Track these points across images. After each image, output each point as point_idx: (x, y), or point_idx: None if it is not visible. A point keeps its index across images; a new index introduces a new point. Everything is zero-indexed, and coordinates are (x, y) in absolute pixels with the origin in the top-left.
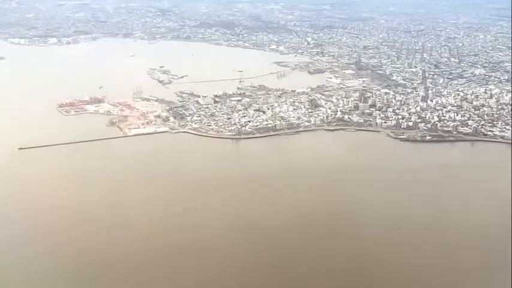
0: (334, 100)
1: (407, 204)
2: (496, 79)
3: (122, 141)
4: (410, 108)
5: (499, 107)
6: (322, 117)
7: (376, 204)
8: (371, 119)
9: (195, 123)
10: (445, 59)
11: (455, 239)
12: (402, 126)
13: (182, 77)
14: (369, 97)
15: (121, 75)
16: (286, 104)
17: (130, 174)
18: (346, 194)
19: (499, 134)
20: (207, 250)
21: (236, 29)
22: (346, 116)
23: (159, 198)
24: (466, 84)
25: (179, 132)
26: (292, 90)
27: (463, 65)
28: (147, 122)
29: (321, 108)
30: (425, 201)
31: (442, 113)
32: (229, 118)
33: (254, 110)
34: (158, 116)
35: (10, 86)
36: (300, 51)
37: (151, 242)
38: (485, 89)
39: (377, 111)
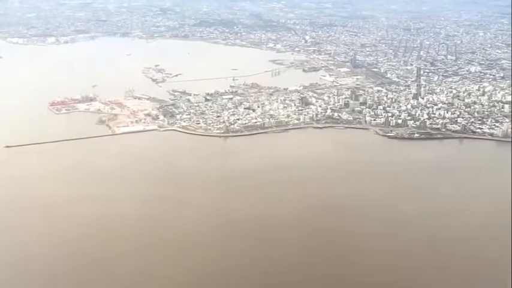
0: (326, 98)
1: (384, 199)
2: (491, 76)
3: (109, 139)
4: (400, 106)
5: (491, 104)
6: (311, 115)
7: (354, 200)
8: (360, 117)
9: (184, 122)
10: (442, 57)
11: (430, 233)
12: (391, 124)
13: (176, 76)
14: (360, 95)
15: (115, 74)
16: (276, 102)
17: (111, 172)
18: (326, 190)
19: (488, 131)
20: (182, 247)
21: (235, 27)
22: (335, 114)
23: (133, 196)
24: (460, 82)
25: (167, 130)
26: (284, 88)
27: (459, 62)
28: (136, 121)
29: (311, 106)
30: (403, 196)
31: (432, 111)
32: (218, 116)
33: (244, 108)
34: (148, 114)
35: (2, 85)
36: (297, 49)
37: (119, 239)
38: (479, 87)
39: (367, 109)
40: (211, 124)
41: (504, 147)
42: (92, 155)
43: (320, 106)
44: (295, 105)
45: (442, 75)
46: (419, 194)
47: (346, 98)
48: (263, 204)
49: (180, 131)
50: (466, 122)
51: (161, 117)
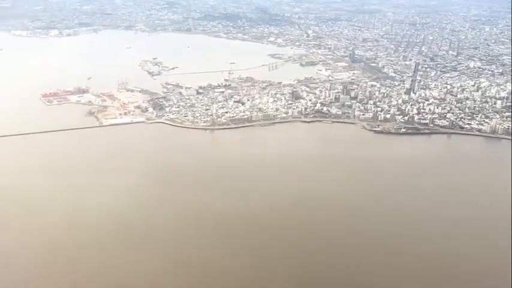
0: (317, 92)
1: (358, 192)
2: (490, 72)
3: (96, 131)
4: (391, 101)
5: (483, 100)
6: (300, 109)
7: (328, 192)
8: (350, 111)
9: (172, 114)
10: (443, 52)
11: (393, 225)
12: (379, 119)
13: (173, 69)
14: (352, 89)
15: (112, 67)
16: (267, 95)
17: (90, 164)
18: (301, 183)
19: (476, 127)
20: (154, 239)
21: (239, 21)
22: (325, 108)
23: (108, 187)
24: (457, 77)
25: (155, 122)
26: (278, 82)
27: (460, 58)
28: (125, 113)
29: (301, 100)
30: (370, 190)
31: (423, 106)
32: (207, 109)
33: (234, 102)
34: (138, 107)
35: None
36: (297, 43)
37: (94, 230)
38: (475, 82)
39: (357, 104)
40: (199, 117)
41: (490, 143)
42: (73, 146)
43: (310, 100)
44: (285, 99)
45: (440, 71)
46: (389, 188)
47: (338, 92)
48: (229, 196)
49: (167, 124)
50: (455, 117)
51: (150, 109)
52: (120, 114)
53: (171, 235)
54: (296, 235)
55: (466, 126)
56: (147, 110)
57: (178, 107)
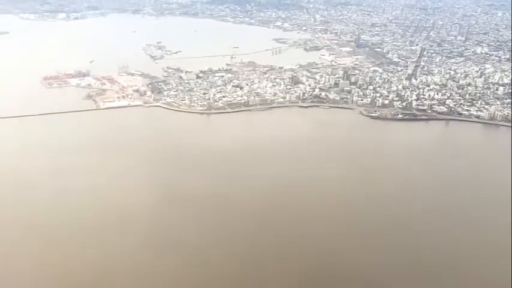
0: (318, 77)
1: (341, 178)
2: (496, 58)
3: (92, 114)
4: (391, 87)
5: (485, 86)
6: (298, 94)
7: (304, 178)
8: (348, 97)
9: (170, 98)
10: (452, 37)
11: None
12: (377, 104)
13: (176, 53)
14: (353, 75)
15: (116, 50)
16: (267, 80)
17: (78, 146)
18: (281, 169)
19: (475, 113)
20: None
21: (247, 5)
22: (323, 93)
23: (92, 168)
24: (462, 63)
25: (152, 106)
26: (280, 67)
27: (467, 43)
28: (123, 96)
29: (300, 85)
30: (352, 176)
31: (423, 92)
32: (205, 93)
33: (232, 86)
34: (137, 90)
35: (2, 60)
36: (304, 28)
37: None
38: (479, 68)
39: (357, 89)
40: (196, 101)
41: (487, 129)
42: (66, 128)
43: (309, 85)
44: (284, 84)
45: (446, 56)
46: (374, 172)
47: (338, 77)
48: (215, 180)
49: (163, 107)
50: (454, 103)
51: (149, 93)
52: (118, 97)
53: (147, 218)
54: (270, 219)
55: (464, 112)
56: (145, 94)
57: (176, 91)
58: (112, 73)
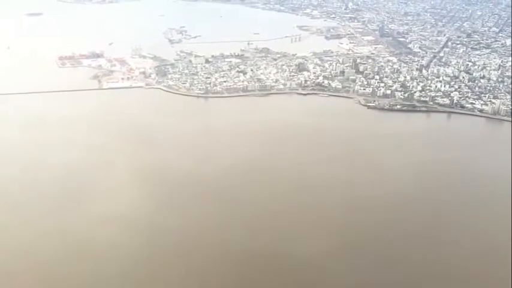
0: (326, 65)
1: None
2: None
3: (90, 93)
4: (399, 77)
5: (499, 79)
6: (300, 81)
7: (280, 162)
8: (351, 86)
9: (172, 81)
10: (485, 29)
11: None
12: (378, 94)
13: (195, 37)
14: (363, 63)
15: (137, 33)
16: (272, 66)
17: (61, 124)
18: (257, 153)
19: (479, 107)
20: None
21: None
22: (326, 81)
23: (76, 144)
24: (485, 55)
25: (152, 88)
26: (293, 54)
27: (500, 35)
28: (128, 77)
29: (305, 73)
30: (326, 162)
31: (430, 83)
32: (208, 78)
33: (236, 71)
34: (143, 72)
35: (30, 39)
36: (332, 16)
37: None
38: (502, 61)
39: (362, 78)
40: (196, 85)
41: (488, 124)
42: (61, 107)
43: (314, 73)
44: (289, 70)
45: (471, 48)
46: (346, 161)
47: (348, 66)
48: (192, 161)
49: (163, 90)
50: (460, 96)
51: (153, 75)
52: (122, 78)
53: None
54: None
55: (468, 105)
56: (150, 76)
57: (180, 74)
58: (125, 55)
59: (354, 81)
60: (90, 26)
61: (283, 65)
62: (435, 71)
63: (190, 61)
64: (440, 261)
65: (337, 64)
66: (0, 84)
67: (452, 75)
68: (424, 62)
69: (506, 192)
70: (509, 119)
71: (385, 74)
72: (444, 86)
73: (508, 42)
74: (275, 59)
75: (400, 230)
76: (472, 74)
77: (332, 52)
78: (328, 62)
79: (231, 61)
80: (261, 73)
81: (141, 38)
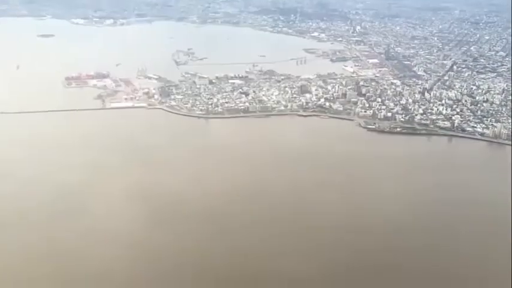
0: (329, 88)
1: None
2: None
3: (93, 113)
4: (401, 100)
5: (503, 103)
6: (301, 103)
7: (270, 185)
8: (352, 108)
9: (174, 101)
10: (492, 53)
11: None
12: (378, 117)
13: (201, 59)
14: (365, 86)
15: (145, 55)
16: (275, 88)
17: (62, 142)
18: (250, 174)
19: (480, 130)
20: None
21: (292, 16)
22: (327, 103)
23: (74, 164)
24: (490, 79)
25: (155, 108)
26: (296, 76)
27: (507, 59)
28: (131, 97)
29: (307, 95)
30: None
31: (431, 106)
32: (210, 98)
33: (239, 93)
34: (146, 93)
35: (37, 60)
36: (339, 39)
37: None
38: (507, 85)
39: (364, 100)
40: (198, 105)
41: (488, 148)
42: (61, 125)
43: (316, 95)
44: (291, 92)
45: (477, 72)
46: (338, 184)
47: (350, 88)
48: (183, 182)
49: (165, 110)
50: (461, 119)
51: (156, 96)
52: (125, 98)
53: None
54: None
55: (469, 129)
56: (153, 96)
57: (183, 95)
58: (131, 76)
59: (355, 103)
60: (100, 48)
61: (285, 86)
62: (438, 94)
63: (194, 82)
64: None
65: (340, 86)
66: (6, 102)
67: (454, 98)
68: (427, 85)
69: (505, 217)
70: (509, 142)
71: (387, 97)
72: (446, 109)
73: None
74: (278, 81)
75: (396, 256)
76: (475, 98)
77: (336, 75)
78: (331, 85)
79: (234, 82)
80: (263, 94)
81: (149, 60)
